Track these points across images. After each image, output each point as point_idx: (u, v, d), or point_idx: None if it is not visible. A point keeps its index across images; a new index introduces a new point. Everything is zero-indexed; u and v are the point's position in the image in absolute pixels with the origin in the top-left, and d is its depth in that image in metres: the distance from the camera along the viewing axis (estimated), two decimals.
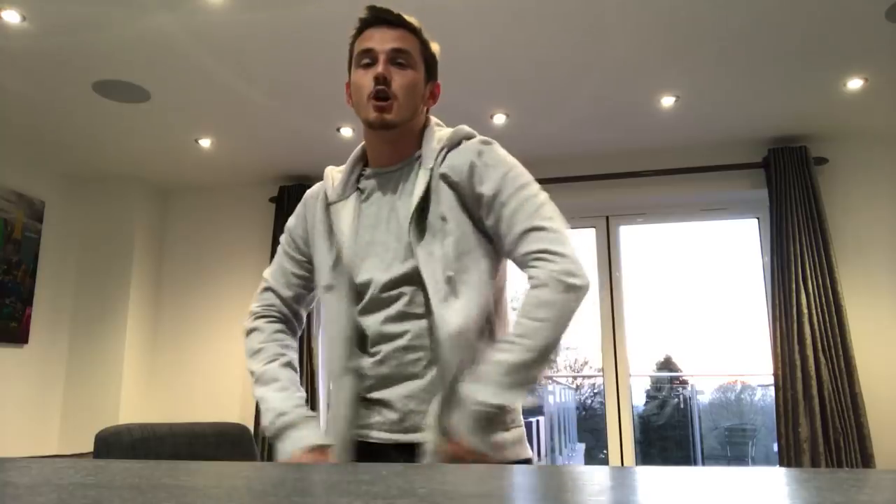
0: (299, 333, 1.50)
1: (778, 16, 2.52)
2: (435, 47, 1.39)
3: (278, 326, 1.46)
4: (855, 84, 3.03)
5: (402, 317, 1.25)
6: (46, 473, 0.65)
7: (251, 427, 3.86)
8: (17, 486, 0.58)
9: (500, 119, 3.38)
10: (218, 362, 4.19)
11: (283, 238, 1.47)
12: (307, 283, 1.44)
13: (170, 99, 3.18)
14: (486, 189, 1.24)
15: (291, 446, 1.26)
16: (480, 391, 1.14)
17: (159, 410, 4.20)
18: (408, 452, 1.21)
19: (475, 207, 1.26)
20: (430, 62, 1.38)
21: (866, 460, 3.14)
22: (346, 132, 3.54)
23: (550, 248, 1.19)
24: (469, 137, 1.34)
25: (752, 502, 0.50)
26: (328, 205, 1.37)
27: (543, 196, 1.26)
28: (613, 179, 3.83)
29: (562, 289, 1.16)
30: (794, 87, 3.08)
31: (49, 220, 4.09)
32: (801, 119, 3.41)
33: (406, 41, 1.33)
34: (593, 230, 3.99)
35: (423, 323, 1.23)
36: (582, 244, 4.01)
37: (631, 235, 3.99)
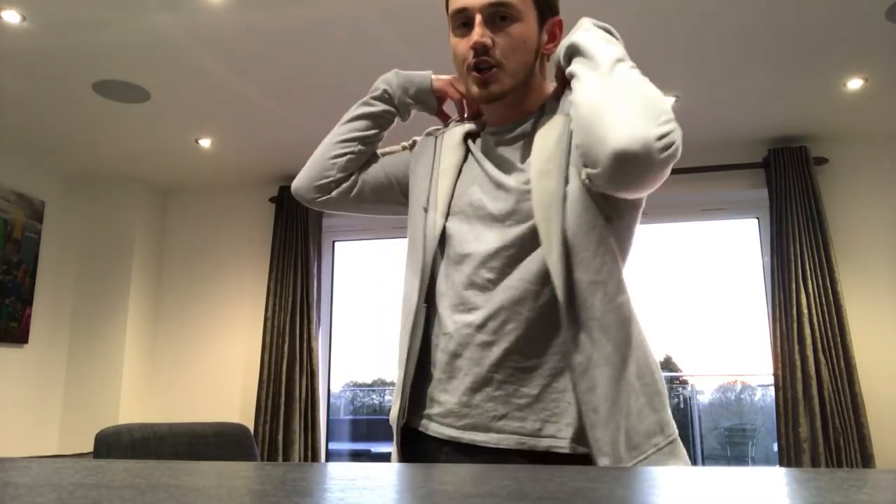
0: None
1: (778, 16, 2.52)
2: None
3: None
4: (855, 84, 3.03)
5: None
6: (46, 473, 0.65)
7: (251, 427, 3.86)
8: (17, 486, 0.58)
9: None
10: (218, 362, 4.19)
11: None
12: (383, 185, 1.29)
13: (170, 99, 3.18)
14: None
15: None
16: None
17: (159, 410, 4.20)
18: (463, 454, 1.05)
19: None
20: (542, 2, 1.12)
21: (866, 460, 3.14)
22: None
23: None
24: None
25: (752, 502, 0.50)
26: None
27: None
28: None
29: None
30: (794, 87, 3.08)
31: (49, 220, 4.09)
32: (801, 119, 3.41)
33: None
34: None
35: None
36: None
37: None
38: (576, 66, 1.02)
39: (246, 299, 4.24)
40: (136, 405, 4.13)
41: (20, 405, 3.86)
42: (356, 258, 4.46)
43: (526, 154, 1.10)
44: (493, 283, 1.05)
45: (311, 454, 3.85)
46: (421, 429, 1.12)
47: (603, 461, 0.94)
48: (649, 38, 2.66)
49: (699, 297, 4.15)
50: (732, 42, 2.70)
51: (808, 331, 3.30)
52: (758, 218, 3.86)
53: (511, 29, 1.07)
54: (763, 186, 3.63)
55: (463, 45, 1.08)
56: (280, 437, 3.79)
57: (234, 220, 4.38)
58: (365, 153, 1.30)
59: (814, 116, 3.38)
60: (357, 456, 5.04)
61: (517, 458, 1.01)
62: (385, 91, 1.26)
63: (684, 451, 1.04)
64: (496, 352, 1.03)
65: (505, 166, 1.11)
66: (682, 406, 4.97)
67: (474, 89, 1.09)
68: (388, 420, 1.19)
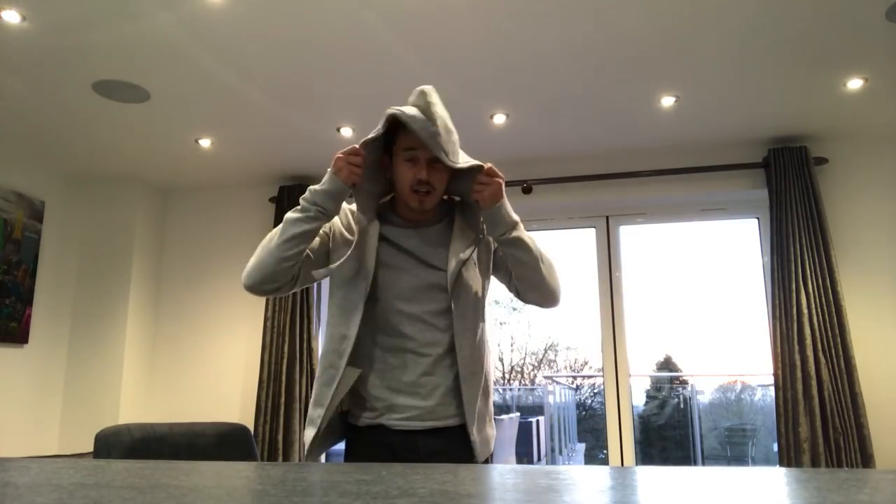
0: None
1: (778, 16, 2.52)
2: None
3: None
4: (855, 84, 3.03)
5: None
6: (46, 473, 0.65)
7: (251, 427, 3.86)
8: (18, 486, 0.58)
9: (500, 119, 3.38)
10: (218, 362, 4.19)
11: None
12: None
13: (170, 99, 3.18)
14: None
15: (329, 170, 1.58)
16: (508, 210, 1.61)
17: (159, 410, 4.20)
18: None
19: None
20: None
21: (866, 460, 3.14)
22: (346, 132, 3.54)
23: None
24: None
25: (752, 502, 0.50)
26: None
27: None
28: (613, 179, 3.82)
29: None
30: (794, 87, 3.08)
31: (49, 220, 4.09)
32: (801, 119, 3.41)
33: None
34: (593, 230, 3.99)
35: None
36: (582, 244, 4.01)
37: (631, 235, 3.98)
38: (521, 256, 1.61)
39: (246, 299, 4.24)
40: (136, 405, 4.13)
41: (20, 405, 3.86)
42: None
43: (444, 243, 1.66)
44: (439, 332, 1.64)
45: None
46: (394, 427, 1.59)
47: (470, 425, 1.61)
48: (649, 38, 2.66)
49: (699, 297, 4.14)
50: (732, 42, 2.70)
51: (808, 331, 3.30)
52: (758, 218, 3.86)
53: (440, 168, 1.59)
54: (763, 186, 3.63)
55: (410, 174, 1.59)
56: (280, 437, 3.79)
57: (234, 220, 4.38)
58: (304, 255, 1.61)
59: (814, 116, 3.38)
60: None
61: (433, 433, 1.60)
62: (320, 211, 1.56)
63: (493, 426, 1.71)
64: (453, 372, 1.63)
65: (426, 251, 1.65)
66: (682, 406, 4.97)
67: (414, 203, 1.61)
68: None
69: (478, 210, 1.63)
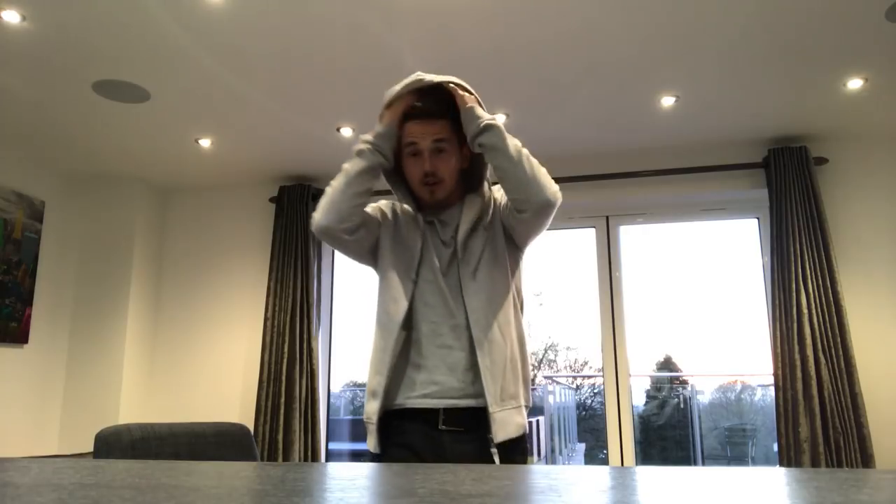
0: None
1: (778, 16, 2.52)
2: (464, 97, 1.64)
3: None
4: (855, 84, 3.03)
5: None
6: (46, 473, 0.66)
7: (251, 427, 3.86)
8: (18, 486, 0.58)
9: (500, 119, 3.38)
10: (218, 362, 4.19)
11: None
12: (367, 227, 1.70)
13: (170, 99, 3.18)
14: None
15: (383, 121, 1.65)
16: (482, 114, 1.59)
17: (159, 410, 4.20)
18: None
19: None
20: (459, 130, 1.64)
21: (866, 460, 3.14)
22: (346, 132, 3.54)
23: None
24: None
25: (752, 502, 0.50)
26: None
27: None
28: (613, 179, 3.82)
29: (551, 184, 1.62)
30: (794, 87, 3.08)
31: (49, 220, 4.09)
32: (801, 119, 3.41)
33: (443, 130, 1.64)
34: (593, 230, 3.99)
35: None
36: (582, 244, 4.01)
37: (631, 235, 3.98)
38: (497, 143, 1.57)
39: (246, 299, 4.24)
40: (136, 405, 4.13)
41: (20, 405, 3.86)
42: None
43: (457, 218, 1.69)
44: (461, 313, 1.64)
45: (311, 454, 3.85)
46: (410, 405, 1.60)
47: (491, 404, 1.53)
48: (649, 38, 2.66)
49: (699, 297, 4.14)
50: (732, 42, 2.70)
51: (808, 331, 3.30)
52: (758, 218, 3.86)
53: (445, 156, 1.65)
54: (763, 186, 3.63)
55: (417, 169, 1.65)
56: (280, 437, 3.79)
57: (234, 220, 4.38)
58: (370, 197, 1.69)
59: (814, 116, 3.38)
60: (357, 456, 5.03)
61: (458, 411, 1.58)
62: (373, 146, 1.64)
63: (524, 416, 1.61)
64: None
65: (445, 231, 1.70)
66: (682, 406, 4.96)
67: (426, 195, 1.67)
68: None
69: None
